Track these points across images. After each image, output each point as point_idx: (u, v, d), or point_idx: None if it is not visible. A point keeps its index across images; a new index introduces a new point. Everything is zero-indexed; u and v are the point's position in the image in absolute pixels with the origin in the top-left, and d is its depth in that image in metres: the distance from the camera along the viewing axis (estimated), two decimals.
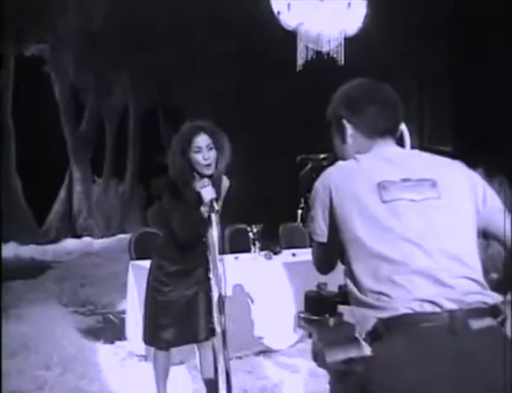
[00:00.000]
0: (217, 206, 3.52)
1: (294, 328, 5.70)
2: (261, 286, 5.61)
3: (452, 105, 13.98)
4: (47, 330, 6.04)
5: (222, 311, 3.45)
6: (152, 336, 3.95)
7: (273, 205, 12.94)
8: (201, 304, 3.85)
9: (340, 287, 2.27)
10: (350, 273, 1.94)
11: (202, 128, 3.76)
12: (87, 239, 14.92)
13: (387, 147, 2.08)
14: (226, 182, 3.94)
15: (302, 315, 2.35)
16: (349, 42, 8.15)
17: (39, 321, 6.36)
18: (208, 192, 3.57)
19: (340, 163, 2.07)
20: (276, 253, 6.26)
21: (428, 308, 1.80)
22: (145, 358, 5.16)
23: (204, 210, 3.62)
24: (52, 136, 15.01)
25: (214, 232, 3.47)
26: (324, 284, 2.37)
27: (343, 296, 2.19)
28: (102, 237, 15.24)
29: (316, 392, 4.62)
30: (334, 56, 8.14)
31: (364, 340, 1.92)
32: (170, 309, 3.85)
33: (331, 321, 2.30)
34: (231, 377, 3.44)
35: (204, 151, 3.72)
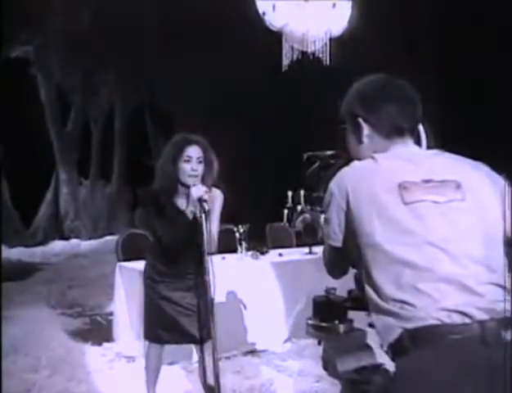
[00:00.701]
0: (207, 206, 3.53)
1: (287, 328, 5.74)
2: (248, 286, 5.63)
3: (441, 105, 14.03)
4: (36, 332, 6.04)
5: (211, 313, 3.48)
6: (148, 332, 3.97)
7: (260, 205, 12.95)
8: (196, 308, 3.85)
9: (350, 292, 2.19)
10: (368, 279, 1.81)
11: (195, 141, 3.82)
12: (74, 241, 14.87)
13: (406, 147, 1.97)
14: (219, 195, 3.91)
15: (310, 322, 2.25)
16: (335, 42, 8.16)
17: (27, 323, 6.35)
18: (197, 190, 3.59)
19: (356, 163, 1.95)
20: (262, 253, 6.28)
21: (458, 319, 1.68)
22: (134, 359, 5.17)
23: (189, 210, 3.64)
24: (38, 137, 14.92)
25: (204, 233, 3.49)
26: (333, 289, 2.27)
27: (354, 302, 2.12)
28: (90, 238, 15.17)
29: (304, 391, 4.65)
30: (320, 56, 8.14)
31: (386, 352, 1.80)
32: (163, 306, 3.86)
33: (341, 327, 2.19)
34: (219, 378, 3.47)
35: (193, 161, 3.75)
